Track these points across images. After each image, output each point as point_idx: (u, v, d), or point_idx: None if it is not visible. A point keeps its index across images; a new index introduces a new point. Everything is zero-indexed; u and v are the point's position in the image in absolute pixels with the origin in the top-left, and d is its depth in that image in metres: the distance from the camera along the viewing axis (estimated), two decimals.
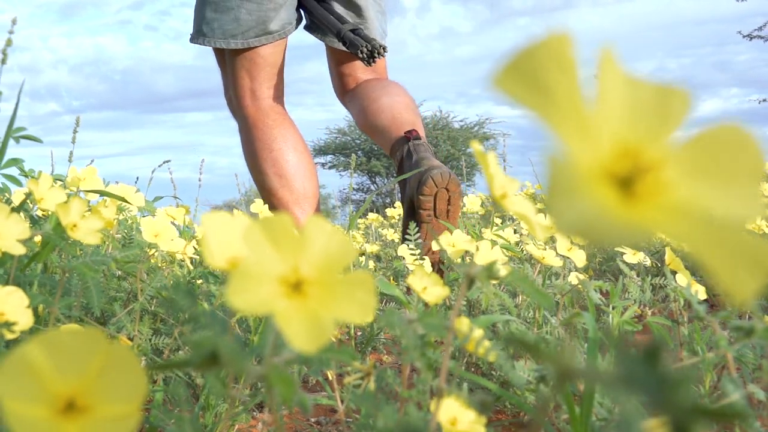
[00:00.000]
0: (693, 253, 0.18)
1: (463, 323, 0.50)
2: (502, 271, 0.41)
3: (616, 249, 1.25)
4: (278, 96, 1.68)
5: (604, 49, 0.20)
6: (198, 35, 1.64)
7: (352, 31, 1.60)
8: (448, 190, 1.44)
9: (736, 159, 0.20)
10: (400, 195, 1.68)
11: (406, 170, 1.51)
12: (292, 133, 1.62)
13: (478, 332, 0.50)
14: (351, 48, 1.58)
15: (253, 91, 1.63)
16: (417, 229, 1.13)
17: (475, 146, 0.41)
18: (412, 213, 1.50)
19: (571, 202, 0.17)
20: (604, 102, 0.20)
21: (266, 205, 1.67)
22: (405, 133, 1.57)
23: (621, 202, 0.19)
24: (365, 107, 1.70)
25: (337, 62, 1.82)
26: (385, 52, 1.56)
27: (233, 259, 0.32)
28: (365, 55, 1.55)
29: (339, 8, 1.67)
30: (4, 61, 0.86)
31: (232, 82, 1.67)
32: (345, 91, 1.84)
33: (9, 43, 0.86)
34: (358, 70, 1.79)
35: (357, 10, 1.68)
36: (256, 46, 1.61)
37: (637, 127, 0.20)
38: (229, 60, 1.67)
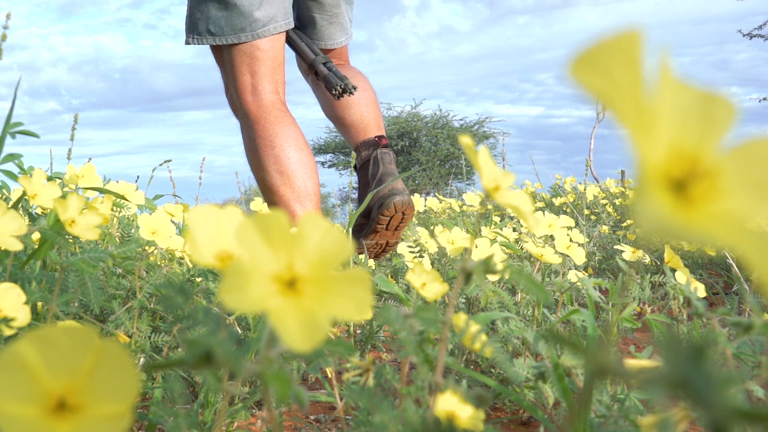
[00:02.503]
0: (742, 260, 0.19)
1: (459, 318, 0.50)
2: (499, 265, 0.41)
3: (615, 247, 1.25)
4: (279, 92, 1.68)
5: (662, 52, 0.20)
6: (206, 35, 1.65)
7: (325, 64, 1.73)
8: (404, 214, 1.66)
9: None
10: (357, 188, 1.82)
11: (370, 175, 1.73)
12: (294, 131, 1.62)
13: (474, 327, 0.50)
14: (324, 82, 1.71)
15: (254, 87, 1.63)
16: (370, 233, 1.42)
17: (464, 141, 0.41)
18: (367, 216, 1.70)
19: (646, 202, 0.17)
20: (661, 104, 0.20)
21: (266, 203, 1.68)
22: (375, 137, 1.73)
23: (677, 205, 0.19)
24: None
25: None
26: (355, 90, 1.69)
27: (222, 254, 0.31)
28: (337, 93, 1.69)
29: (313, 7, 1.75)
30: None
31: (233, 79, 1.66)
32: (312, 71, 1.94)
33: (4, 37, 0.85)
34: (333, 57, 1.89)
35: (326, 7, 1.77)
36: (265, 37, 1.63)
37: (687, 130, 0.21)
38: (228, 57, 1.67)
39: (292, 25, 1.69)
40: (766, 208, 0.20)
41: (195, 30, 1.66)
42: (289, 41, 1.76)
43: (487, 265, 0.43)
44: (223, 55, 1.69)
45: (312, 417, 0.94)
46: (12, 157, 0.98)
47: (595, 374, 0.22)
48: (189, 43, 1.69)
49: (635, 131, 0.19)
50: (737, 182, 0.21)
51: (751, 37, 9.27)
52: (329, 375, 0.85)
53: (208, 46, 1.70)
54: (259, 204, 1.78)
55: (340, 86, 1.66)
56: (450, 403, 0.45)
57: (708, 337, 0.75)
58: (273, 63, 1.65)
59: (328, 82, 1.69)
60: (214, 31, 1.63)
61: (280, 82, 1.69)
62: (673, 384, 0.18)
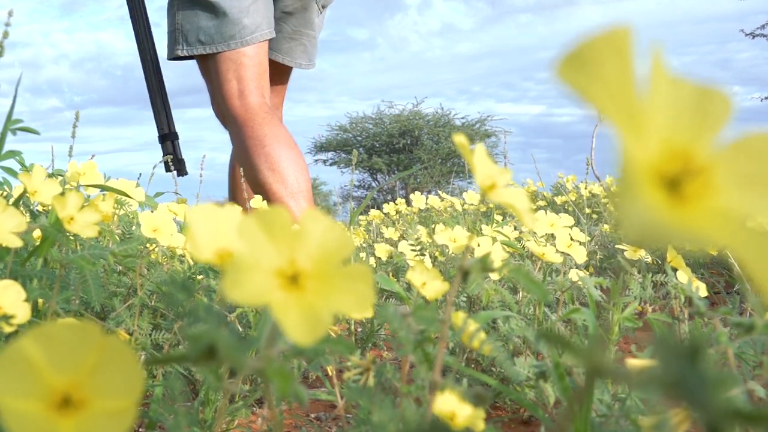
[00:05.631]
0: (737, 258, 0.18)
1: (458, 317, 0.50)
2: (496, 263, 0.41)
3: (617, 246, 1.25)
4: (265, 96, 1.71)
5: (654, 47, 0.20)
6: (196, 44, 1.67)
7: (173, 142, 1.85)
8: None
9: None
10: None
11: None
12: (282, 131, 1.65)
13: (473, 326, 0.50)
14: (163, 151, 1.85)
15: (241, 92, 1.67)
16: None
17: (457, 139, 0.40)
18: None
19: (633, 202, 0.17)
20: (653, 101, 0.19)
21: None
22: None
23: (670, 204, 0.19)
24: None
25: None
26: (185, 175, 1.85)
27: (221, 251, 0.31)
28: (166, 166, 1.81)
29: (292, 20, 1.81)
30: (1, 54, 0.85)
31: (219, 86, 1.69)
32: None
33: (6, 35, 0.85)
34: (273, 91, 1.89)
35: (309, 25, 1.84)
36: (253, 44, 1.66)
37: (681, 127, 0.20)
38: (214, 65, 1.69)
39: (274, 35, 1.72)
40: (763, 203, 0.20)
41: (185, 41, 1.68)
42: (154, 105, 1.85)
43: (484, 263, 0.43)
44: (209, 65, 1.71)
45: (312, 415, 0.94)
46: (13, 153, 0.98)
47: (593, 375, 0.22)
48: (177, 56, 1.70)
49: (625, 129, 0.18)
50: (734, 178, 0.20)
51: (753, 37, 9.26)
52: (330, 373, 0.85)
53: (194, 59, 1.73)
54: (258, 201, 1.79)
55: (175, 167, 1.83)
56: (450, 402, 0.45)
57: (705, 337, 0.75)
58: (258, 69, 1.68)
59: (165, 152, 1.85)
60: (204, 41, 1.66)
61: (266, 88, 1.72)
62: (669, 385, 0.18)
